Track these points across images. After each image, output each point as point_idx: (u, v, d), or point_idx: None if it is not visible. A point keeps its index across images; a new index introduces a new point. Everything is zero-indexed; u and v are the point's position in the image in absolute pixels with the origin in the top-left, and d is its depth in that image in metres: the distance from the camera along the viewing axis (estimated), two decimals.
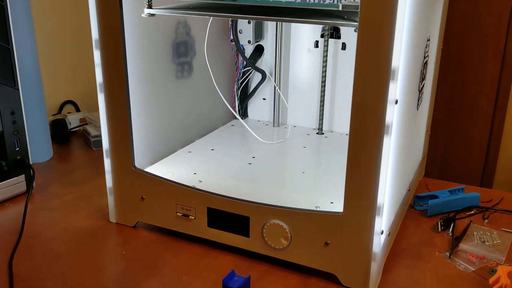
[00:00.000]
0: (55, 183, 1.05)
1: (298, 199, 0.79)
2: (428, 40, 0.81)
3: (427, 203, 0.92)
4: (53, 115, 1.35)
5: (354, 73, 0.62)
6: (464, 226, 0.87)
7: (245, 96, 1.22)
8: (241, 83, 1.20)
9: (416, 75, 0.76)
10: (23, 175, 0.97)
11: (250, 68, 1.16)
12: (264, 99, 1.22)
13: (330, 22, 0.67)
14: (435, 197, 0.94)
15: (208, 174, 0.91)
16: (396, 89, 0.61)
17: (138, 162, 0.88)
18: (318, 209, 0.74)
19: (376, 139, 0.63)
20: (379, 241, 0.67)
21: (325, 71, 1.09)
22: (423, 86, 0.84)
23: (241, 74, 1.19)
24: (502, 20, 1.39)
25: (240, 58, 1.17)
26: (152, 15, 0.79)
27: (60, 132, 1.27)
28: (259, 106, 1.23)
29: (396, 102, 0.62)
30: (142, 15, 0.79)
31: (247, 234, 0.77)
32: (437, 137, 1.52)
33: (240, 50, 1.13)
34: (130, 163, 0.84)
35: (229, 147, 1.05)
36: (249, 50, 1.17)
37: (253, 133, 1.08)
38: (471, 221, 0.90)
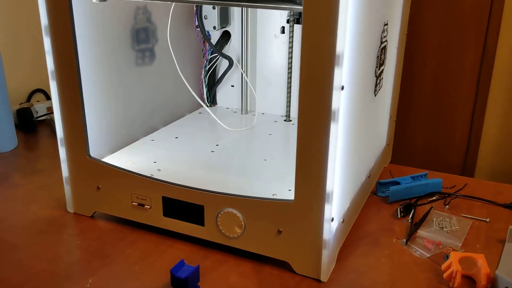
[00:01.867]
0: (18, 173, 1.04)
1: (256, 187, 0.78)
2: (386, 24, 0.80)
3: (389, 190, 0.91)
4: (21, 103, 1.33)
5: (300, 58, 0.61)
6: (425, 212, 0.87)
7: (213, 83, 1.21)
8: (208, 70, 1.18)
9: (371, 60, 0.75)
10: None
11: (217, 54, 1.15)
12: (232, 86, 1.21)
13: (275, 6, 0.66)
14: (397, 183, 0.93)
15: (168, 162, 0.90)
16: (342, 75, 0.60)
17: (96, 151, 0.87)
18: (275, 196, 0.74)
19: (323, 125, 0.62)
20: (329, 228, 0.67)
21: (291, 57, 1.08)
22: (382, 71, 0.83)
23: (208, 61, 1.17)
24: (483, 8, 1.38)
25: (207, 44, 1.15)
26: (104, 0, 0.77)
27: (26, 121, 1.25)
28: (228, 93, 1.22)
29: (342, 88, 0.61)
30: (93, 0, 0.77)
31: (202, 223, 0.76)
32: (419, 126, 1.52)
33: (205, 36, 1.11)
34: (84, 152, 0.82)
35: (193, 135, 1.04)
36: (215, 36, 1.15)
37: (218, 121, 1.07)
38: (431, 207, 0.90)
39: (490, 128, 1.40)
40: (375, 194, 0.94)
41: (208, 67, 1.18)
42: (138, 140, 1.01)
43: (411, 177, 0.95)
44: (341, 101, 0.61)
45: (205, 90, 1.20)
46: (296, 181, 0.67)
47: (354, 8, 0.60)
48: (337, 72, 0.59)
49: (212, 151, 0.95)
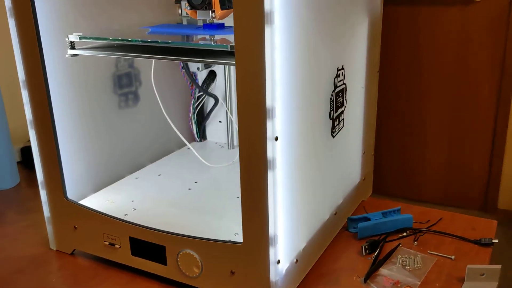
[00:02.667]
0: (13, 210, 1.11)
1: (221, 227, 0.82)
2: (341, 69, 0.82)
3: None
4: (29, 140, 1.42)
5: (237, 111, 0.65)
6: (391, 249, 0.88)
7: (202, 119, 1.26)
8: (196, 107, 1.23)
9: (321, 106, 0.78)
10: None
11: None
12: (220, 121, 1.25)
13: (212, 61, 0.70)
14: (368, 219, 0.95)
15: (145, 201, 0.95)
16: (275, 127, 0.63)
17: (79, 191, 0.93)
18: (237, 236, 0.77)
19: (260, 173, 0.65)
20: (275, 270, 0.70)
21: None
22: (341, 113, 0.86)
23: (196, 99, 1.22)
24: (500, 28, 1.40)
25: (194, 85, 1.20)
26: (75, 55, 0.84)
27: (30, 159, 1.33)
28: (216, 128, 1.26)
29: (276, 139, 0.64)
30: (66, 55, 0.84)
31: (164, 262, 0.80)
32: (436, 161, 1.54)
33: (190, 77, 1.16)
34: (62, 195, 0.88)
35: (176, 172, 1.08)
36: (202, 74, 1.20)
37: (200, 157, 1.11)
38: (399, 244, 0.91)
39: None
40: (347, 229, 0.96)
41: (196, 104, 1.23)
42: (124, 177, 1.06)
43: (382, 213, 0.96)
44: (277, 151, 0.65)
45: (194, 126, 1.25)
46: (243, 224, 0.70)
47: (285, 65, 0.63)
48: (269, 125, 0.63)
49: (189, 189, 1.00)
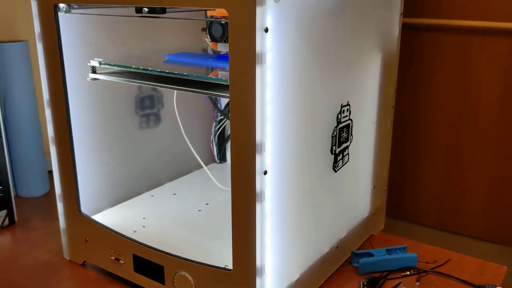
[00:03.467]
0: (38, 217, 1.18)
1: (220, 251, 0.84)
2: (346, 105, 0.84)
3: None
4: None
5: (230, 143, 0.68)
6: (393, 287, 0.88)
7: (223, 141, 1.29)
8: (218, 129, 1.27)
9: (322, 141, 0.79)
10: (5, 210, 1.10)
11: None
12: None
13: (207, 92, 0.74)
14: (371, 255, 0.94)
15: (155, 219, 0.99)
16: (264, 161, 0.65)
17: (95, 205, 0.98)
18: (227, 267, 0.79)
19: (249, 205, 0.68)
20: None
21: None
22: (345, 148, 0.87)
23: (217, 122, 1.26)
24: (499, 60, 1.37)
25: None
26: (96, 79, 0.89)
27: None
28: None
29: (265, 172, 0.66)
30: (87, 79, 0.89)
31: (162, 282, 0.84)
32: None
33: (213, 101, 1.20)
34: (76, 208, 0.93)
35: (190, 192, 1.12)
36: (225, 100, 1.24)
37: (213, 179, 1.14)
38: (400, 282, 0.90)
39: None
40: (351, 263, 0.96)
41: (217, 127, 1.27)
42: (140, 194, 1.11)
43: (387, 250, 0.95)
44: (266, 184, 0.67)
45: (215, 148, 1.29)
46: (233, 253, 0.72)
47: (278, 102, 0.66)
48: (258, 159, 0.65)
49: (199, 210, 1.03)
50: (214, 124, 1.26)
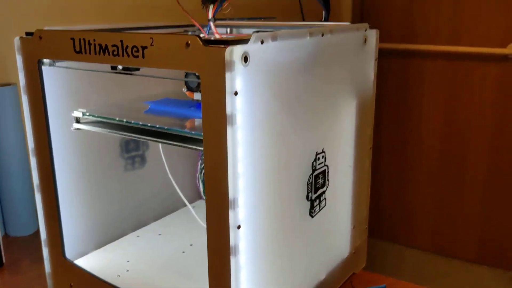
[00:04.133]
0: (27, 258, 1.19)
1: None
2: (321, 152, 0.86)
3: None
4: None
5: (205, 196, 0.70)
6: None
7: None
8: (203, 167, 1.29)
9: (297, 189, 0.81)
10: None
11: None
12: None
13: (181, 145, 0.77)
14: None
15: (139, 262, 1.01)
16: (237, 216, 0.68)
17: (79, 249, 1.00)
18: None
19: (224, 258, 0.70)
20: None
21: None
22: (322, 193, 0.89)
23: (203, 159, 1.29)
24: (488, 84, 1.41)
25: None
26: (79, 129, 0.92)
27: None
28: None
29: (239, 227, 0.68)
30: (71, 128, 0.92)
31: None
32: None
33: None
34: (60, 253, 0.95)
35: (175, 232, 1.14)
36: None
37: (198, 219, 1.16)
38: None
39: None
40: None
41: (203, 165, 1.29)
42: (126, 234, 1.13)
43: None
44: (240, 238, 0.69)
45: (201, 185, 1.31)
46: None
47: (249, 158, 0.68)
48: (231, 214, 0.67)
49: (183, 252, 1.05)
50: (200, 161, 1.29)
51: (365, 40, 0.95)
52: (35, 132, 0.90)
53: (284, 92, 0.74)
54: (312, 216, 0.87)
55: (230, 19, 0.87)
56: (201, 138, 0.71)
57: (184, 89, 0.91)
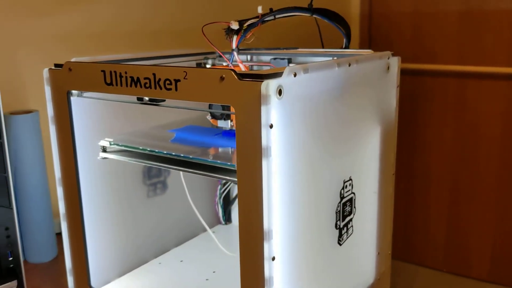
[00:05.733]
0: (48, 286, 1.19)
1: None
2: (348, 180, 0.86)
3: None
4: None
5: (239, 229, 0.70)
6: None
7: (228, 202, 1.32)
8: (222, 192, 1.30)
9: (326, 218, 0.82)
10: (15, 280, 1.11)
11: None
12: None
13: (215, 176, 0.77)
14: None
15: None
16: (271, 248, 0.68)
17: (103, 277, 1.00)
18: None
19: None
20: None
21: None
22: (349, 221, 0.89)
23: (222, 184, 1.29)
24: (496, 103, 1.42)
25: None
26: (106, 158, 0.93)
27: None
28: None
29: (273, 258, 0.68)
30: (98, 158, 0.93)
31: None
32: None
33: None
34: (86, 282, 0.95)
35: (197, 259, 1.14)
36: None
37: (220, 245, 1.16)
38: None
39: None
40: None
41: (222, 190, 1.30)
42: (148, 261, 1.13)
43: None
44: (275, 270, 0.69)
45: (220, 210, 1.32)
46: None
47: (284, 190, 0.68)
48: (266, 246, 0.68)
49: (207, 279, 1.04)
50: (219, 187, 1.29)
51: (388, 68, 0.96)
52: (63, 161, 0.91)
53: (315, 123, 0.75)
54: (340, 244, 0.87)
55: (254, 49, 0.88)
56: (234, 168, 0.71)
57: (209, 117, 0.92)
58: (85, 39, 1.44)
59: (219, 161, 0.78)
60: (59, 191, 0.93)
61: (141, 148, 0.87)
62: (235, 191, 1.29)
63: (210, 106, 0.91)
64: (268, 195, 0.66)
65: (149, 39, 1.58)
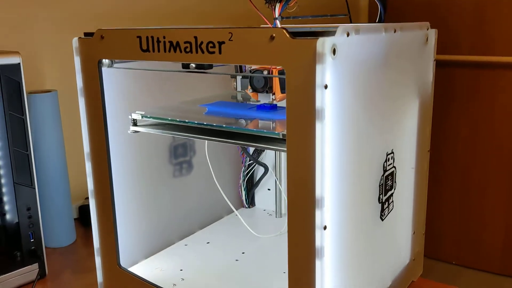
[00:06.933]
0: (68, 270, 1.16)
1: None
2: (391, 153, 0.83)
3: None
4: (86, 198, 1.49)
5: (287, 198, 0.67)
6: None
7: (251, 186, 1.29)
8: (246, 174, 1.26)
9: (371, 191, 0.78)
10: (37, 263, 1.08)
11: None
12: (269, 189, 1.28)
13: (264, 146, 0.74)
14: None
15: (192, 271, 0.97)
16: (323, 216, 0.65)
17: (131, 258, 0.97)
18: None
19: (308, 262, 0.66)
20: None
21: None
22: (390, 196, 0.86)
23: (246, 167, 1.26)
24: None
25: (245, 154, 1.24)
26: (137, 131, 0.89)
27: (86, 217, 1.39)
28: (265, 196, 1.28)
29: (325, 227, 0.65)
30: (128, 131, 0.89)
31: None
32: None
33: (243, 147, 1.20)
34: (115, 262, 0.92)
35: (224, 241, 1.10)
36: None
37: (247, 226, 1.13)
38: None
39: None
40: None
41: (246, 172, 1.26)
42: (174, 243, 1.09)
43: None
44: (326, 239, 0.66)
45: (243, 193, 1.28)
46: None
47: (335, 156, 0.65)
48: (318, 214, 0.64)
49: (237, 260, 1.01)
50: (243, 169, 1.26)
51: (426, 40, 0.93)
52: (92, 135, 0.88)
53: (363, 88, 0.72)
54: (382, 220, 0.84)
55: (294, 17, 0.85)
56: (279, 137, 0.68)
57: (249, 90, 0.89)
58: (111, 21, 1.40)
59: (266, 131, 0.74)
60: (88, 167, 0.90)
61: (178, 120, 0.83)
62: (259, 174, 1.26)
63: (251, 79, 0.87)
64: (321, 159, 0.63)
65: (169, 20, 1.55)
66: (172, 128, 0.87)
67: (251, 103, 0.95)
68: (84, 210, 1.40)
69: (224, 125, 0.78)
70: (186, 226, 1.13)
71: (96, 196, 0.91)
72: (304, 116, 0.63)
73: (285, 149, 0.66)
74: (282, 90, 0.87)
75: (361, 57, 0.70)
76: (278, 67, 0.82)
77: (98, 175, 0.89)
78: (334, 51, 0.62)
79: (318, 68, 0.61)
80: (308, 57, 0.61)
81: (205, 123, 0.80)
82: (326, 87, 0.61)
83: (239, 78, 1.10)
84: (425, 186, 1.04)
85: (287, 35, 0.62)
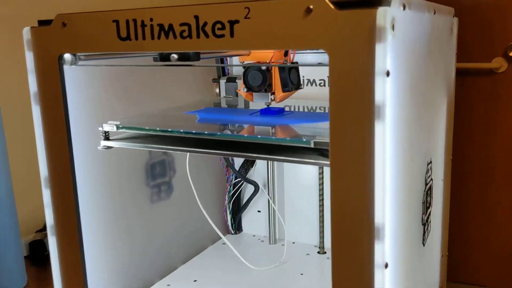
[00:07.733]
0: None
1: None
2: (430, 163, 0.68)
3: None
4: (36, 231, 1.26)
5: (331, 227, 0.50)
6: None
7: (237, 209, 1.10)
8: (232, 195, 1.08)
9: (417, 210, 0.63)
10: None
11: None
12: (259, 211, 1.10)
13: (301, 161, 0.56)
14: None
15: None
16: (384, 251, 0.48)
17: None
18: None
19: None
20: None
21: (322, 183, 0.97)
22: (429, 215, 0.71)
23: (232, 185, 1.08)
24: None
25: (231, 169, 1.06)
26: (109, 147, 0.70)
27: (38, 255, 1.16)
28: (254, 219, 1.11)
29: (386, 265, 0.49)
30: (98, 147, 0.70)
31: None
32: None
33: (228, 162, 1.03)
34: None
35: (213, 276, 0.92)
36: (239, 160, 1.06)
37: (242, 259, 0.94)
38: None
39: None
40: None
41: (232, 192, 1.08)
42: (154, 283, 0.90)
43: None
44: (386, 281, 0.49)
45: (229, 217, 1.10)
46: None
47: (393, 169, 0.49)
48: (377, 248, 0.48)
49: None
50: (228, 188, 1.08)
51: (452, 29, 0.80)
52: (52, 154, 0.67)
53: (415, 79, 0.56)
54: (423, 245, 0.69)
55: None
56: (309, 146, 0.51)
57: (244, 89, 0.71)
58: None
59: (298, 139, 0.57)
60: (46, 195, 0.69)
61: (170, 130, 0.64)
62: (246, 196, 1.08)
63: (245, 73, 0.70)
64: (382, 173, 0.47)
65: None
66: (155, 141, 0.69)
67: (251, 108, 0.78)
68: (35, 246, 1.17)
69: (236, 135, 0.60)
70: (167, 260, 0.94)
71: (58, 232, 0.70)
72: (357, 115, 0.46)
73: (326, 162, 0.49)
74: (285, 88, 0.71)
75: (412, 39, 0.55)
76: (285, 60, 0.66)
77: (61, 206, 0.69)
78: (393, 27, 0.46)
79: (379, 48, 0.44)
80: (363, 34, 0.45)
81: (193, 132, 0.62)
82: (388, 74, 0.45)
83: (222, 82, 0.93)
84: (448, 201, 0.90)
85: (331, 6, 0.46)
